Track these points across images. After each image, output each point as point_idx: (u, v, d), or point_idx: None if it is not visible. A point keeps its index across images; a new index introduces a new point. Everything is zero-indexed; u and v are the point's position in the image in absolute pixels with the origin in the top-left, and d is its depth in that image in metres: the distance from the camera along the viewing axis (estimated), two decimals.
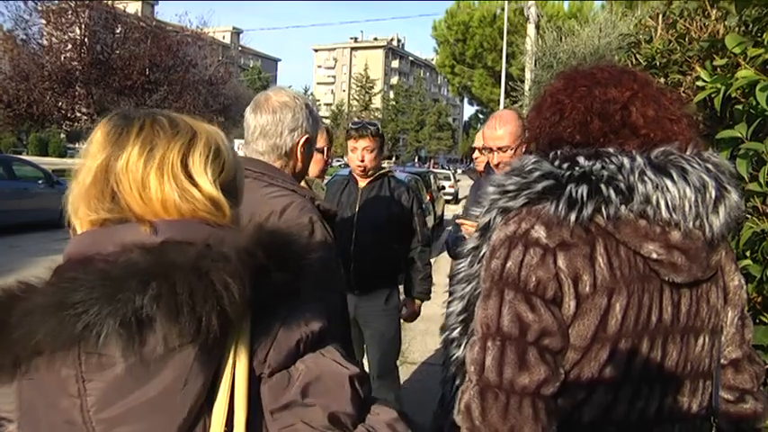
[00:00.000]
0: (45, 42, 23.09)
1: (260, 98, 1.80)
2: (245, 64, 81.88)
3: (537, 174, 1.12)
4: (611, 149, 1.09)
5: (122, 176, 0.84)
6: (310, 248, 0.88)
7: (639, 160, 1.06)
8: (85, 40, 22.48)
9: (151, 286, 0.70)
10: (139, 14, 27.82)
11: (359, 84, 72.23)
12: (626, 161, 1.06)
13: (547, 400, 1.05)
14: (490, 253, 1.13)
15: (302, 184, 2.30)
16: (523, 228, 1.09)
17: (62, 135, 46.09)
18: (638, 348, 1.08)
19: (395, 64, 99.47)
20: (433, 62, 37.48)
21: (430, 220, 11.66)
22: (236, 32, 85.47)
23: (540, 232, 1.07)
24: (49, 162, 27.04)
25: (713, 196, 1.06)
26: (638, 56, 2.57)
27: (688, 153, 1.10)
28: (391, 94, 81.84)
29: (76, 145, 54.89)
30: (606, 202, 1.04)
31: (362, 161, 3.10)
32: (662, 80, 2.29)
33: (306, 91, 74.71)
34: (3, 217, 11.34)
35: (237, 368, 0.78)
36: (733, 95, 1.92)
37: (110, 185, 0.84)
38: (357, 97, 72.22)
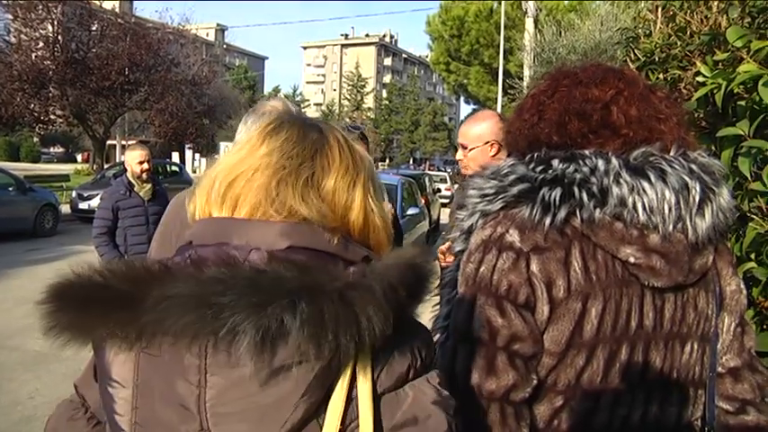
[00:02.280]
0: (13, 39, 22.98)
1: (258, 106, 1.95)
2: (230, 62, 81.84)
3: (512, 177, 1.15)
4: (587, 151, 1.11)
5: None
6: (436, 279, 0.93)
7: (615, 162, 1.08)
8: (59, 37, 22.46)
9: (300, 307, 0.74)
10: (117, 11, 27.73)
11: (350, 82, 72.44)
12: (600, 163, 1.08)
13: (516, 405, 1.08)
14: (466, 257, 1.17)
15: None
16: (498, 232, 1.12)
17: (35, 139, 45.84)
18: (617, 354, 1.10)
19: (387, 61, 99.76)
20: (428, 59, 37.55)
21: (425, 225, 11.66)
22: (221, 29, 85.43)
23: (514, 236, 1.10)
24: (22, 168, 26.94)
25: (697, 198, 1.07)
26: (636, 51, 2.58)
27: (672, 153, 1.12)
28: (384, 93, 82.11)
29: (51, 149, 54.65)
30: (580, 205, 1.06)
31: None
32: (661, 76, 2.31)
33: (295, 90, 74.87)
34: None
35: (361, 387, 0.83)
36: (735, 91, 1.93)
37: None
38: (348, 96, 72.36)
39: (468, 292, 1.13)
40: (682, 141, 1.16)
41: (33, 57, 22.41)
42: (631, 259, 1.07)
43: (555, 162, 1.11)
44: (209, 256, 0.83)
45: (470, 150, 2.59)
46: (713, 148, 2.00)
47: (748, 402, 1.23)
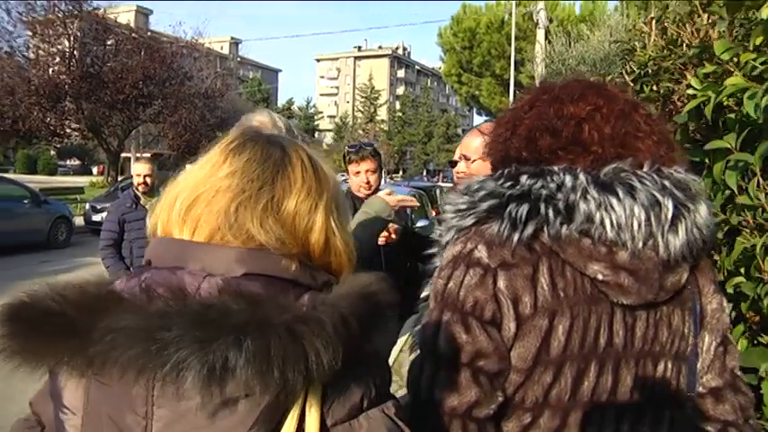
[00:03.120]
0: (31, 55, 23.39)
1: (243, 120, 1.91)
2: (244, 75, 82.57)
3: (482, 193, 1.15)
4: (555, 167, 1.11)
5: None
6: (395, 309, 0.92)
7: (582, 178, 1.07)
8: (75, 52, 22.77)
9: (246, 344, 0.74)
10: (132, 25, 28.16)
11: (363, 94, 72.62)
12: (568, 179, 1.07)
13: (479, 422, 1.07)
14: (437, 272, 1.17)
15: None
16: (468, 248, 1.12)
17: (52, 152, 46.40)
18: (586, 372, 1.09)
19: (401, 73, 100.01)
20: (441, 71, 37.66)
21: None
22: (235, 42, 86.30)
23: (482, 252, 1.10)
24: (38, 180, 27.27)
25: (669, 214, 1.06)
26: (631, 63, 2.58)
27: (645, 169, 1.10)
28: (397, 105, 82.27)
29: (67, 162, 55.29)
30: (546, 221, 1.06)
31: (368, 182, 3.28)
32: (655, 88, 2.30)
33: (308, 103, 75.26)
34: None
35: (309, 420, 0.83)
36: (725, 104, 1.92)
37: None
38: (362, 108, 72.47)
39: (436, 307, 1.14)
40: (660, 158, 1.14)
41: (50, 71, 22.77)
42: (599, 276, 1.06)
43: (523, 178, 1.11)
44: (162, 282, 0.83)
45: (473, 162, 2.56)
46: (707, 161, 1.99)
47: (730, 424, 1.21)
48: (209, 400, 0.77)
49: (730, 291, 1.84)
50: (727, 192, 1.84)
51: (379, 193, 2.64)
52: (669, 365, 1.16)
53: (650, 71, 2.40)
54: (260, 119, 1.91)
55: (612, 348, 1.10)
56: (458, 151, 3.10)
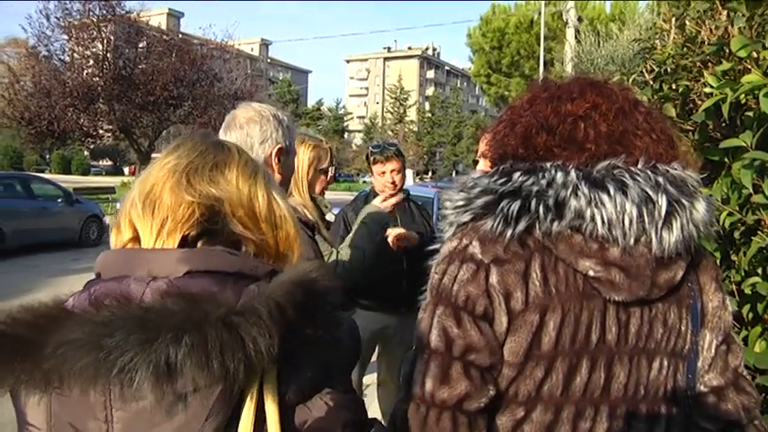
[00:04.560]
0: (67, 58, 23.89)
1: (228, 118, 1.91)
2: (274, 77, 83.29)
3: (477, 190, 1.17)
4: (547, 164, 1.12)
5: None
6: (337, 294, 0.97)
7: (573, 174, 1.08)
8: (108, 55, 23.11)
9: (184, 340, 0.79)
10: (163, 27, 28.58)
11: (393, 95, 72.77)
12: (559, 176, 1.09)
13: (471, 414, 1.09)
14: (434, 268, 1.19)
15: (308, 201, 2.45)
16: (463, 243, 1.14)
17: (85, 152, 47.37)
18: (578, 368, 1.09)
19: (430, 74, 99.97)
20: (470, 72, 37.52)
21: None
22: (265, 44, 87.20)
23: (476, 248, 1.12)
24: (72, 180, 27.91)
25: (663, 211, 1.06)
26: (651, 62, 2.55)
27: (639, 166, 1.11)
28: (427, 106, 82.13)
29: (100, 162, 56.41)
30: (537, 217, 1.08)
31: (393, 182, 3.33)
32: (673, 86, 2.27)
33: (338, 104, 75.52)
34: (21, 236, 11.75)
35: (269, 405, 0.89)
36: (743, 101, 1.89)
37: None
38: (391, 109, 72.70)
39: (431, 302, 1.16)
40: (659, 156, 1.15)
41: (84, 74, 23.12)
42: (590, 272, 1.07)
43: (516, 175, 1.13)
44: (109, 293, 0.88)
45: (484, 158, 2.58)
46: (726, 159, 1.96)
47: (733, 424, 1.20)
48: (161, 398, 0.81)
49: (747, 291, 1.82)
50: (745, 191, 1.81)
51: (374, 201, 2.78)
52: (665, 363, 1.16)
53: (669, 69, 2.37)
54: (244, 114, 1.89)
55: (605, 345, 1.10)
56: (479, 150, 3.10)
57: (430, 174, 66.08)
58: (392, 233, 3.21)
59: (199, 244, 0.98)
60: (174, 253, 0.94)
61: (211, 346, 0.79)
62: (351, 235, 2.64)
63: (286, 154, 1.92)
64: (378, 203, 2.76)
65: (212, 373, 0.80)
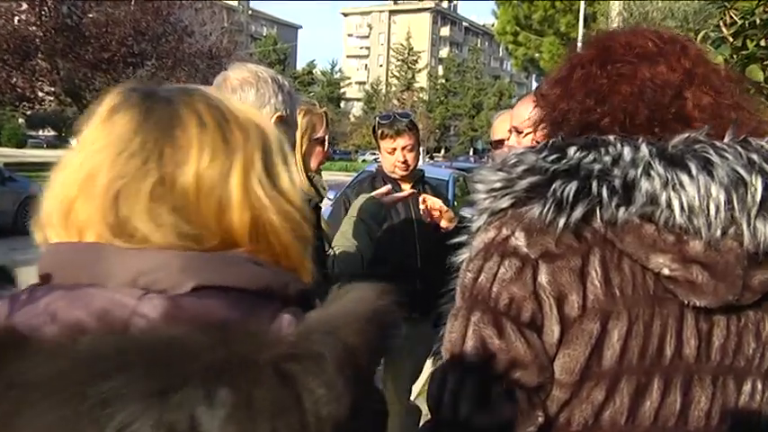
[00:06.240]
0: None
1: (218, 79, 1.93)
2: (256, 32, 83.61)
3: (521, 168, 1.14)
4: (611, 137, 1.10)
5: None
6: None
7: (645, 150, 1.07)
8: None
9: (219, 396, 0.63)
10: None
11: (399, 57, 72.97)
12: (626, 151, 1.07)
13: None
14: (465, 264, 1.18)
15: (305, 181, 2.46)
16: (503, 234, 1.13)
17: (20, 120, 47.40)
18: (648, 390, 1.08)
19: (444, 31, 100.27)
20: (493, 29, 37.62)
21: None
22: None
23: (520, 240, 1.11)
24: (4, 153, 27.89)
25: (758, 196, 1.04)
26: (732, 12, 2.51)
27: (726, 140, 1.09)
28: (440, 70, 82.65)
29: (40, 132, 56.54)
30: (599, 203, 1.05)
31: (405, 162, 3.31)
32: (762, 43, 2.24)
33: (333, 66, 75.91)
34: None
35: None
36: None
37: None
38: (397, 74, 73.00)
39: (463, 306, 1.15)
40: (752, 129, 1.13)
41: (15, 21, 22.69)
42: (665, 271, 1.05)
43: (571, 150, 1.11)
44: (79, 306, 0.73)
45: (525, 136, 2.49)
46: None
47: None
48: None
49: None
50: None
51: (380, 190, 2.80)
52: (759, 386, 1.15)
53: (758, 21, 2.29)
54: (237, 74, 1.90)
55: (682, 361, 1.09)
56: (501, 127, 2.97)
57: (443, 152, 66.44)
58: (428, 200, 3.14)
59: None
60: (173, 256, 0.77)
61: (259, 408, 0.64)
62: (345, 227, 2.61)
63: (286, 125, 1.91)
64: (382, 192, 2.75)
65: None
